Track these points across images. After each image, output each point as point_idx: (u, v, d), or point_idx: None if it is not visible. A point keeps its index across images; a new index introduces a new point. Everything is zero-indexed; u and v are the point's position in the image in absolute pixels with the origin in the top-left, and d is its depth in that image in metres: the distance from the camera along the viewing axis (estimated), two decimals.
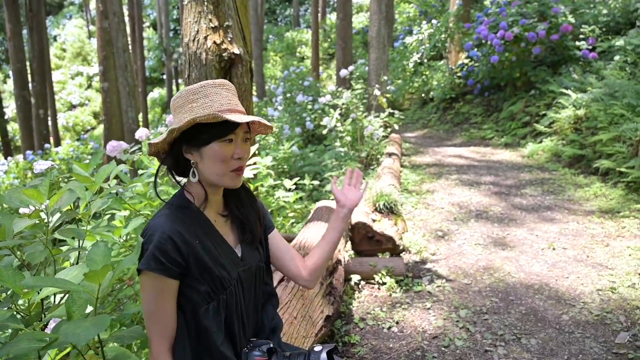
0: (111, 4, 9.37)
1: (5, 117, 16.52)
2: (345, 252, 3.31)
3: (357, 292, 3.14)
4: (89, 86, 29.55)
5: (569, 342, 2.44)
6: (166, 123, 3.66)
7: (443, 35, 12.67)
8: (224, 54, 2.74)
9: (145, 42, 26.61)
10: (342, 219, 1.44)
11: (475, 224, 4.27)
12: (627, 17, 8.09)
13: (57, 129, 17.22)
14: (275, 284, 2.13)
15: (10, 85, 25.88)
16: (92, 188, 1.56)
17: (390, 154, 6.24)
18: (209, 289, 1.16)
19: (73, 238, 1.56)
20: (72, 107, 27.71)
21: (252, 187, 3.50)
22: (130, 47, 10.92)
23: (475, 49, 9.48)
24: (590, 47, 7.70)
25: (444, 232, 4.13)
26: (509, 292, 3.00)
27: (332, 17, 22.41)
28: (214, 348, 1.16)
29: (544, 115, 7.17)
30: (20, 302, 1.24)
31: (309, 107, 8.85)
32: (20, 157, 12.02)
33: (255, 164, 2.83)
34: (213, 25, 2.71)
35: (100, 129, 21.93)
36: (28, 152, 11.67)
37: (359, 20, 21.85)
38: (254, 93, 12.57)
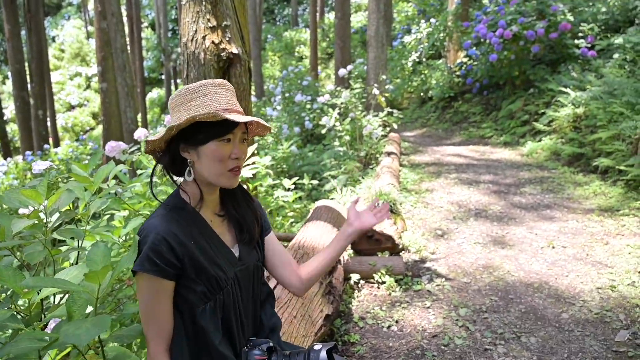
0: (109, 4, 9.37)
1: (4, 118, 16.49)
2: (344, 251, 3.31)
3: (356, 291, 3.14)
4: (88, 87, 29.53)
5: (568, 340, 2.44)
6: (165, 123, 3.66)
7: (442, 34, 12.68)
8: (222, 54, 2.73)
9: (143, 43, 26.67)
10: (345, 238, 1.42)
11: (475, 223, 4.27)
12: (626, 15, 8.08)
13: (56, 129, 17.21)
14: (274, 283, 2.13)
15: (9, 86, 25.86)
16: (91, 188, 1.56)
17: (389, 153, 6.24)
18: (205, 289, 1.15)
19: (72, 238, 1.56)
20: (71, 107, 27.71)
21: (251, 186, 3.50)
22: (128, 47, 10.92)
23: (474, 48, 9.48)
24: (589, 45, 7.70)
25: (443, 231, 4.13)
26: (509, 291, 3.01)
27: (330, 17, 22.41)
28: (213, 348, 1.16)
29: (543, 113, 7.18)
30: (20, 302, 1.24)
31: (308, 106, 8.85)
32: (19, 157, 12.01)
33: (254, 163, 2.83)
34: (211, 25, 2.71)
35: (99, 130, 21.91)
36: (27, 152, 11.67)
37: (358, 20, 21.86)
38: (253, 93, 12.58)
